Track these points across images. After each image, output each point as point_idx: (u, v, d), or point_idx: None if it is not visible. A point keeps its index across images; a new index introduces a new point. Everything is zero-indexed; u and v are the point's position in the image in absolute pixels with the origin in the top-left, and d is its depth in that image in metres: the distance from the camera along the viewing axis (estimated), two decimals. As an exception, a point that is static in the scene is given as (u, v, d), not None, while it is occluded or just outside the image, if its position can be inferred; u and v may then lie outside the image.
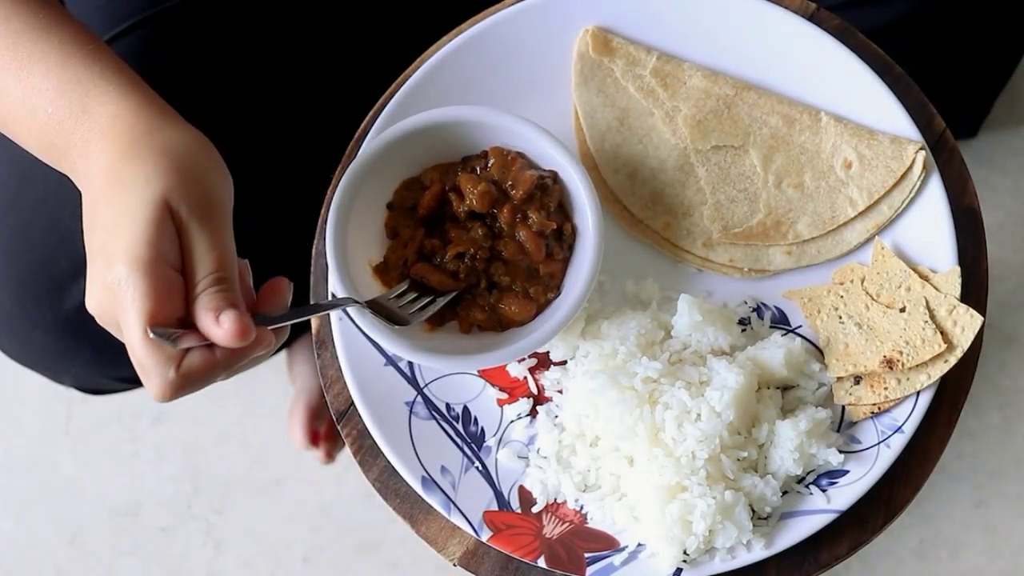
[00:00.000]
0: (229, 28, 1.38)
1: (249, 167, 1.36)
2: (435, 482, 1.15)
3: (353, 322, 1.14)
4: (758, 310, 1.19)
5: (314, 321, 1.22)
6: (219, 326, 0.93)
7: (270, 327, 0.98)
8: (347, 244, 1.15)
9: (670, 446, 1.11)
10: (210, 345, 0.95)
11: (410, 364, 1.18)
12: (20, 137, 1.08)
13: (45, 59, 1.05)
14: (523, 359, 1.18)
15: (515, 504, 1.15)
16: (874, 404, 1.13)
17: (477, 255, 1.15)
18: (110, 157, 0.99)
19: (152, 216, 0.95)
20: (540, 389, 1.18)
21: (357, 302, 1.09)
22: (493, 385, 1.19)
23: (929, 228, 1.17)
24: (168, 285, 0.94)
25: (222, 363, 0.96)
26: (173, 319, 0.94)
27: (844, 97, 1.20)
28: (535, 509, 1.14)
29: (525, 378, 1.19)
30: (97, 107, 1.03)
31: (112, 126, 1.02)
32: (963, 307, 1.13)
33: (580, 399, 1.14)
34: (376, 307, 1.10)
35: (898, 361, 1.12)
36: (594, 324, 1.18)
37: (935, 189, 1.17)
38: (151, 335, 0.92)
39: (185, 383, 0.95)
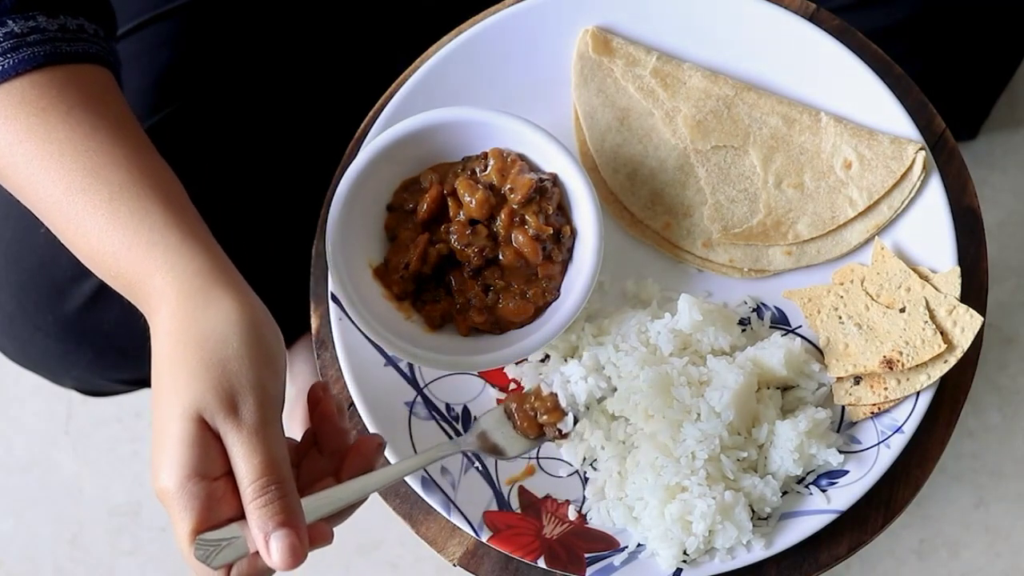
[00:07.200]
0: (229, 28, 1.38)
1: (250, 167, 1.37)
2: (435, 482, 1.15)
3: (353, 322, 1.14)
4: (758, 310, 1.19)
5: (314, 321, 1.22)
6: (269, 552, 0.91)
7: (333, 516, 0.96)
8: (347, 244, 1.15)
9: (669, 446, 1.11)
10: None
11: (410, 364, 1.18)
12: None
13: (96, 216, 1.01)
14: (522, 360, 1.18)
15: (515, 504, 1.15)
16: (874, 404, 1.13)
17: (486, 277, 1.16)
18: (155, 351, 0.96)
19: (183, 435, 0.92)
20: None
21: (456, 453, 1.09)
22: (493, 385, 1.19)
23: (929, 228, 1.17)
24: (206, 500, 0.91)
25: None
26: (224, 522, 0.92)
27: (844, 97, 1.20)
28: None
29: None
30: (147, 279, 0.99)
31: (160, 306, 0.98)
32: (963, 307, 1.13)
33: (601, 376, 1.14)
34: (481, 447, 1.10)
35: (898, 361, 1.12)
36: (594, 324, 1.18)
37: (935, 189, 1.17)
38: (194, 554, 0.91)
39: None
